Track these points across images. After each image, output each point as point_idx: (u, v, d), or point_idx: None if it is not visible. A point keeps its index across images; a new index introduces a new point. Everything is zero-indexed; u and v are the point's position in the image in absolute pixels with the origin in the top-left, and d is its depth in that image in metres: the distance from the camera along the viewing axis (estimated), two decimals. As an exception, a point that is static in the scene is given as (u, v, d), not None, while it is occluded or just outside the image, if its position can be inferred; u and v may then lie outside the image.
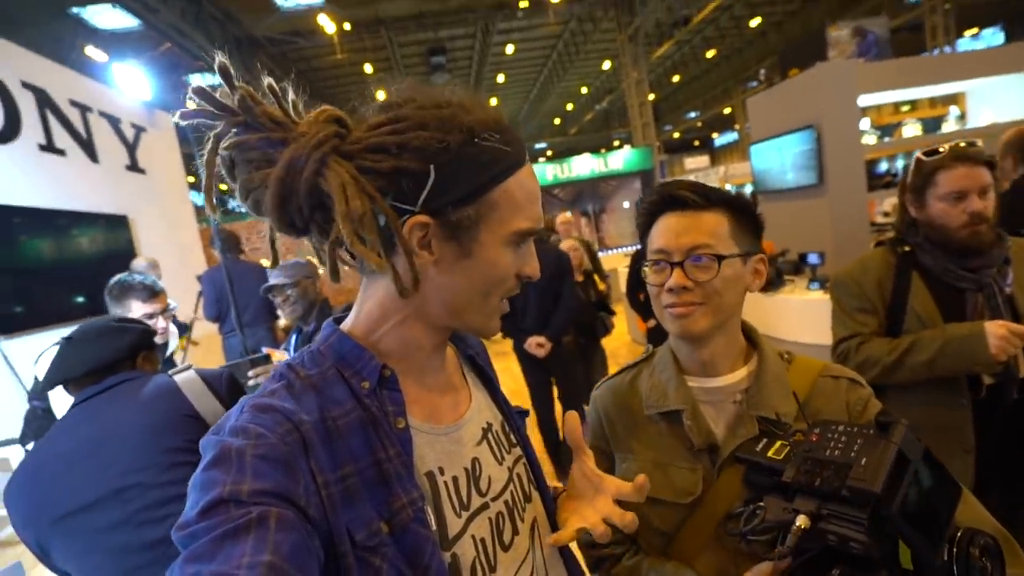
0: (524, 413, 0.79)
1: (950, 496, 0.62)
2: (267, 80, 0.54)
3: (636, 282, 3.76)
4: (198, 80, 0.52)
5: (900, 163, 5.66)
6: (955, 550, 0.57)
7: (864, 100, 4.14)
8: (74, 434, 1.07)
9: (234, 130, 0.51)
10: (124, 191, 4.64)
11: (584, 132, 27.90)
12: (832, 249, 3.75)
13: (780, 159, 4.24)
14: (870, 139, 4.73)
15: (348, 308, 0.65)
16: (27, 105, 3.67)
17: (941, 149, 1.32)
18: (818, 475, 0.61)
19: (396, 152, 0.51)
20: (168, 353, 2.13)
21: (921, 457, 0.60)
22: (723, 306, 0.78)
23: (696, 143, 24.28)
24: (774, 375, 0.81)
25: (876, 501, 0.55)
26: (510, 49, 14.99)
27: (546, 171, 13.63)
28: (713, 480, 0.78)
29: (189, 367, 1.24)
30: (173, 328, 1.31)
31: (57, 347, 1.17)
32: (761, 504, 0.68)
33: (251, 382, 1.69)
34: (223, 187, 0.55)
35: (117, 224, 4.48)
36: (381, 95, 0.59)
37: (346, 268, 0.58)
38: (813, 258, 3.63)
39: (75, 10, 8.96)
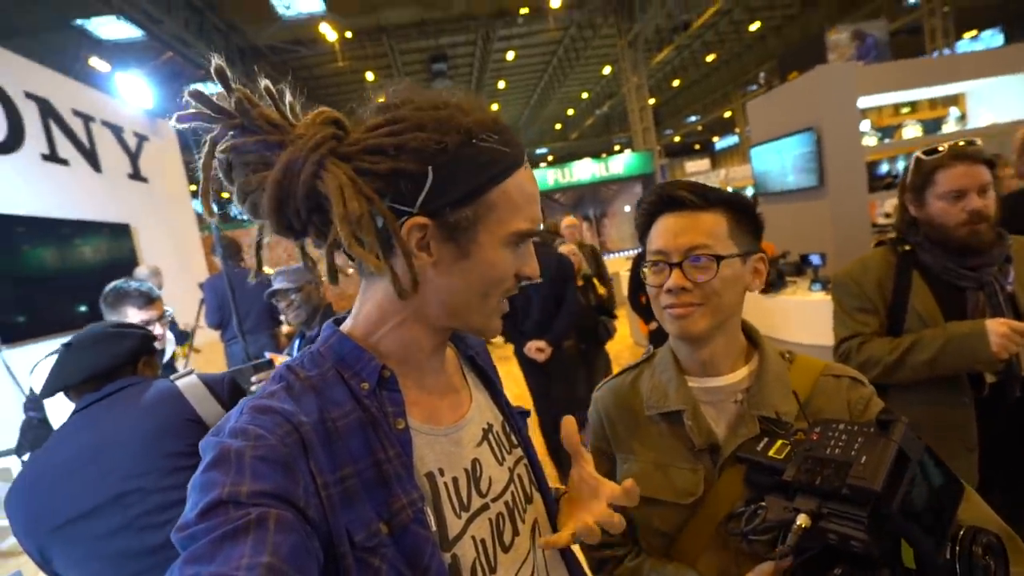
0: (526, 413, 0.78)
1: (953, 494, 0.61)
2: (264, 82, 0.54)
3: (638, 285, 3.76)
4: (199, 88, 0.52)
5: (901, 164, 5.65)
6: (958, 548, 0.56)
7: (864, 102, 4.14)
8: (75, 441, 1.07)
9: (231, 133, 0.51)
10: (126, 200, 4.66)
11: (585, 137, 27.97)
12: (833, 251, 3.74)
13: (780, 161, 4.24)
14: (870, 140, 4.73)
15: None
16: (30, 115, 3.70)
17: (940, 148, 1.32)
18: (818, 474, 0.61)
19: (394, 153, 0.51)
20: (164, 360, 2.13)
21: (922, 455, 0.60)
22: (722, 306, 0.78)
23: (697, 147, 24.33)
24: (775, 374, 0.80)
25: (876, 499, 0.54)
26: (511, 55, 15.08)
27: (547, 176, 13.66)
28: (714, 480, 0.77)
29: (191, 372, 1.24)
30: (169, 335, 1.31)
31: (52, 358, 1.17)
32: (762, 504, 0.67)
33: (254, 387, 1.69)
34: (225, 195, 0.55)
35: (120, 233, 4.49)
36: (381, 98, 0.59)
37: (348, 272, 0.58)
38: (815, 259, 3.62)
39: (79, 21, 9.06)
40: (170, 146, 5.54)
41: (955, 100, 5.28)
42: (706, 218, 0.78)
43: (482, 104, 0.57)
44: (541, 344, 2.95)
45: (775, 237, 4.58)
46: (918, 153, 1.36)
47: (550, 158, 28.89)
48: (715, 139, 26.81)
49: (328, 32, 11.11)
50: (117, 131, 4.69)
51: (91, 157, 4.28)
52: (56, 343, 1.20)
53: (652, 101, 15.72)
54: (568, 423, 0.64)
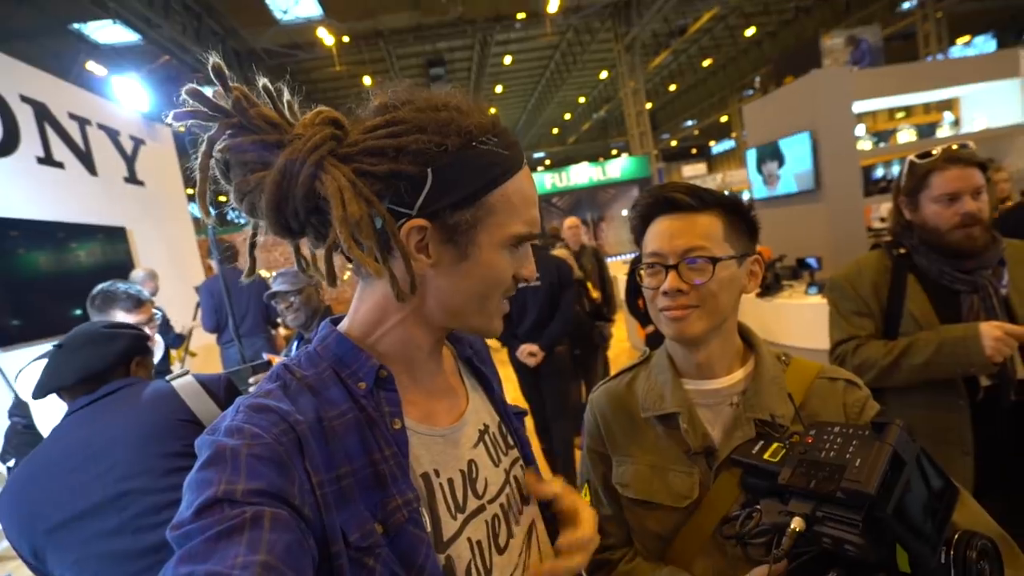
0: (523, 413, 0.78)
1: (948, 498, 0.61)
2: (262, 81, 0.54)
3: (635, 289, 3.75)
4: (196, 86, 0.52)
5: (896, 169, 5.69)
6: (953, 553, 0.56)
7: (859, 106, 4.17)
8: (70, 441, 1.06)
9: (228, 132, 0.51)
10: (122, 203, 4.65)
11: (582, 141, 28.09)
12: (829, 254, 3.76)
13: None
14: (865, 145, 4.76)
15: None
16: (26, 118, 3.69)
17: (934, 152, 1.33)
18: (813, 477, 0.60)
19: (394, 155, 0.51)
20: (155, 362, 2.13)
21: (917, 458, 0.60)
22: (719, 308, 0.77)
23: (693, 151, 24.40)
24: (771, 377, 0.80)
25: (871, 503, 0.54)
26: (508, 60, 15.15)
27: (544, 180, 13.69)
28: (710, 483, 0.77)
29: (187, 372, 1.23)
30: (159, 338, 1.31)
31: (38, 362, 1.16)
32: (757, 507, 0.67)
33: (251, 389, 1.69)
34: (223, 198, 0.55)
35: (115, 236, 4.48)
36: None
37: (345, 276, 0.57)
38: (811, 262, 3.64)
39: (76, 26, 9.06)
40: (167, 150, 5.53)
41: (949, 105, 5.33)
42: (702, 220, 0.78)
43: (481, 106, 0.56)
44: (533, 348, 2.93)
45: (771, 241, 4.60)
46: (912, 157, 1.37)
47: (547, 162, 28.96)
48: (712, 143, 26.91)
49: (325, 36, 11.14)
50: (113, 134, 4.69)
51: (87, 160, 4.27)
52: (50, 346, 1.19)
53: (649, 105, 15.80)
54: (529, 479, 0.67)
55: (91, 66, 8.82)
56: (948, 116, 5.19)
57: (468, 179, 0.53)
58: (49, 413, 1.64)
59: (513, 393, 3.24)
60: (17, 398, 2.04)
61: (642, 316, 3.73)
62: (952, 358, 1.21)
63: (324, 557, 0.45)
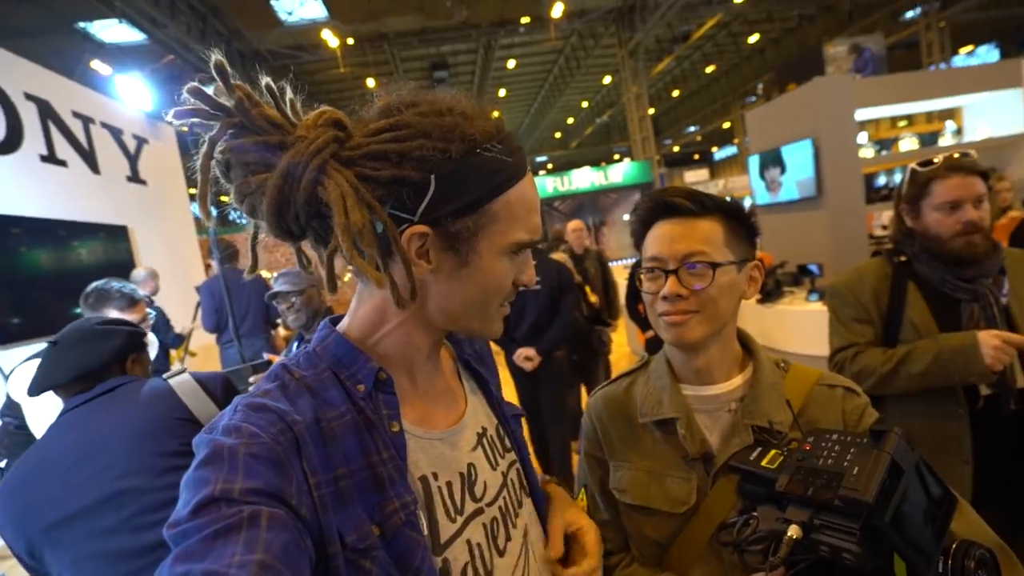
0: (520, 414, 0.78)
1: (946, 506, 0.61)
2: (265, 80, 0.53)
3: (635, 294, 3.74)
4: (198, 85, 0.51)
5: (898, 177, 5.69)
6: (951, 562, 0.55)
7: (861, 114, 4.18)
8: (66, 440, 1.06)
9: (230, 132, 0.50)
10: (124, 202, 4.65)
11: (584, 146, 28.13)
12: (830, 261, 3.75)
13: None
14: (868, 153, 4.76)
15: None
16: (29, 116, 3.69)
17: (935, 160, 1.33)
18: (811, 484, 0.60)
19: (397, 160, 0.50)
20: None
21: (915, 467, 0.59)
22: (718, 314, 0.77)
23: (696, 157, 24.44)
24: (769, 384, 0.80)
25: (868, 511, 0.54)
26: (512, 64, 15.19)
27: (547, 184, 13.72)
28: (707, 489, 0.76)
29: (184, 370, 1.23)
30: (152, 337, 1.30)
31: (30, 362, 1.16)
32: (755, 514, 0.67)
33: (251, 388, 1.68)
34: (225, 199, 0.54)
35: (117, 235, 4.48)
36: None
37: (345, 279, 0.57)
38: (813, 269, 3.63)
39: (82, 25, 9.10)
40: (170, 149, 5.54)
41: (952, 114, 5.33)
42: (702, 225, 0.77)
43: (486, 110, 0.56)
44: (531, 353, 2.90)
45: (773, 247, 4.59)
46: (913, 165, 1.37)
47: (550, 166, 29.00)
48: (714, 149, 26.96)
49: (330, 38, 11.19)
50: (116, 133, 4.69)
51: (90, 159, 4.27)
52: (44, 346, 1.19)
53: (652, 111, 15.84)
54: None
55: (96, 65, 8.87)
56: (950, 125, 5.19)
57: (471, 186, 0.52)
58: (42, 413, 1.63)
59: (509, 397, 3.22)
60: (9, 398, 2.03)
61: (642, 321, 3.72)
62: (951, 367, 1.21)
63: (321, 558, 0.45)
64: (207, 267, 5.09)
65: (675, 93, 21.72)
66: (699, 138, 27.56)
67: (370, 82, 13.90)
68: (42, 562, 1.00)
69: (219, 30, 10.59)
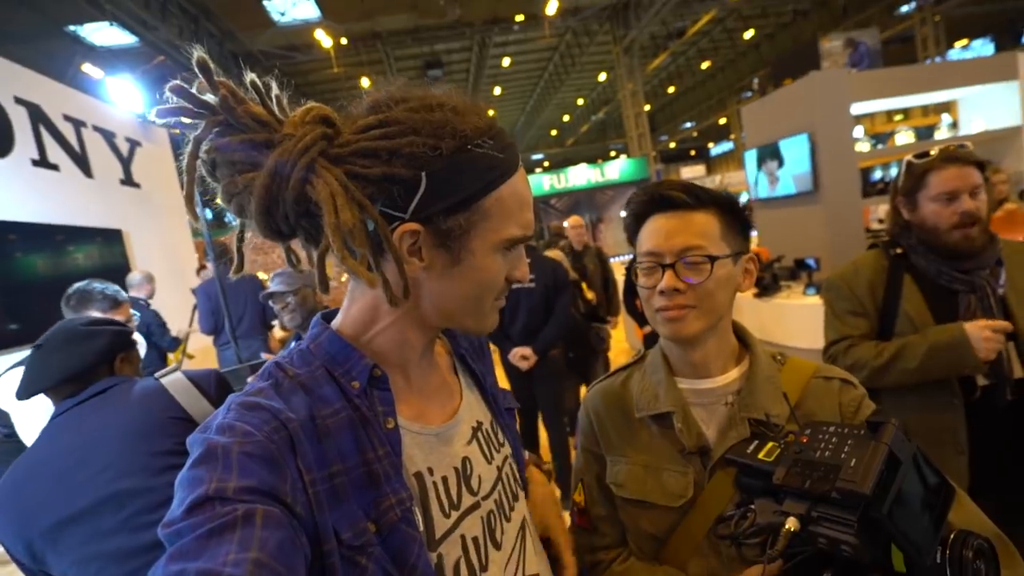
0: (515, 407, 0.78)
1: (943, 497, 0.61)
2: (250, 76, 0.52)
3: (632, 289, 3.74)
4: (181, 83, 0.50)
5: (894, 171, 5.69)
6: (948, 552, 0.55)
7: (857, 108, 4.18)
8: (59, 444, 1.05)
9: (215, 130, 0.49)
10: (119, 205, 4.63)
11: (580, 143, 28.15)
12: (827, 255, 3.75)
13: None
14: (864, 147, 4.76)
15: None
16: (20, 120, 3.67)
17: (932, 152, 1.33)
18: (808, 477, 0.60)
19: (387, 158, 0.50)
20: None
21: (913, 457, 0.59)
22: (715, 307, 0.77)
23: (692, 153, 24.45)
24: (766, 376, 0.79)
25: (866, 503, 0.53)
26: (506, 62, 15.17)
27: (543, 181, 13.72)
28: (704, 483, 0.76)
29: (175, 368, 1.22)
30: (140, 338, 1.29)
31: (14, 371, 1.14)
32: (752, 507, 0.66)
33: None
34: (222, 203, 0.53)
35: (112, 239, 4.46)
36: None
37: (343, 279, 0.56)
38: (810, 263, 3.63)
39: (72, 28, 9.05)
40: (163, 152, 5.52)
41: (947, 107, 5.34)
42: (698, 218, 0.77)
43: (477, 105, 0.55)
44: (526, 352, 2.88)
45: (770, 241, 4.60)
46: (909, 157, 1.36)
47: (546, 164, 29.00)
48: (710, 145, 26.97)
49: (323, 38, 11.15)
50: (109, 136, 4.67)
51: (82, 163, 4.25)
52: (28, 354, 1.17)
53: (647, 107, 15.85)
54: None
55: (87, 68, 8.81)
56: (946, 118, 5.20)
57: (462, 183, 0.52)
58: (30, 420, 1.61)
59: (510, 395, 3.20)
60: None
61: (640, 316, 3.71)
62: (945, 362, 1.22)
63: (316, 555, 0.45)
64: (199, 270, 5.06)
65: (671, 89, 21.73)
66: (695, 134, 27.59)
67: (364, 82, 13.88)
68: (45, 563, 0.99)
69: (211, 31, 10.54)
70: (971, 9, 13.19)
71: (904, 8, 13.62)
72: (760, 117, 4.58)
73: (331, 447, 0.50)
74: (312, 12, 10.34)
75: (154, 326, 3.67)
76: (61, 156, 4.03)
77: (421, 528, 0.53)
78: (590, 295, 3.70)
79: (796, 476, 0.61)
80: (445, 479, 0.58)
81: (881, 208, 4.84)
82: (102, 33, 9.37)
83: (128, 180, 4.86)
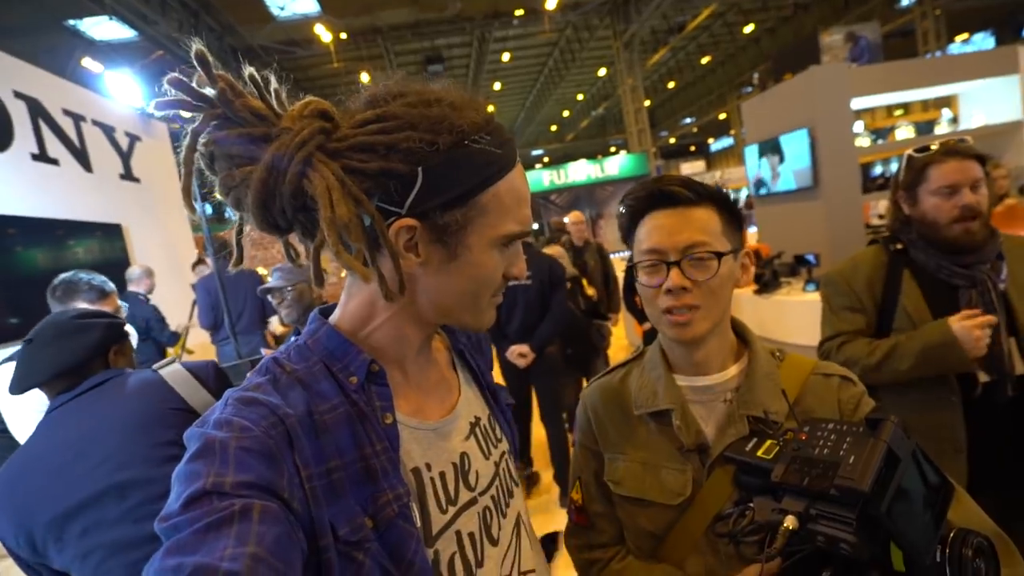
0: (511, 403, 0.78)
1: (943, 495, 0.60)
2: (248, 70, 0.52)
3: (632, 285, 3.70)
4: (179, 76, 0.50)
5: (894, 166, 5.68)
6: (948, 551, 0.55)
7: (857, 103, 4.16)
8: (56, 437, 1.05)
9: (213, 124, 0.49)
10: (118, 200, 4.62)
11: (580, 138, 28.05)
12: (827, 251, 3.75)
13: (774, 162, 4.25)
14: (864, 142, 4.75)
15: None
16: (19, 114, 3.66)
17: (932, 147, 1.32)
18: (806, 474, 0.60)
19: (384, 153, 0.50)
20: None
21: (912, 455, 0.59)
22: (719, 305, 0.76)
23: (692, 148, 24.36)
24: (765, 373, 0.79)
25: (865, 500, 0.53)
26: (506, 57, 15.11)
27: (543, 177, 13.69)
28: (703, 481, 0.76)
29: (174, 360, 1.22)
30: (131, 331, 1.27)
31: (5, 366, 1.13)
32: (750, 505, 0.66)
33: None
34: (220, 196, 0.53)
35: (112, 233, 4.46)
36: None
37: (342, 275, 0.56)
38: (810, 259, 3.63)
39: (72, 22, 9.01)
40: (163, 146, 5.51)
41: (947, 102, 5.32)
42: (699, 214, 0.76)
43: (475, 100, 0.55)
44: (524, 349, 2.88)
45: (770, 237, 4.59)
46: (910, 151, 1.36)
47: (546, 159, 28.94)
48: (710, 141, 26.88)
49: (323, 33, 11.10)
50: (108, 131, 4.66)
51: (82, 157, 4.24)
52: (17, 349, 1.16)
53: (647, 103, 15.80)
54: None
55: (87, 63, 8.77)
56: (946, 113, 5.18)
57: (459, 179, 0.52)
58: (22, 416, 1.60)
59: (510, 390, 3.20)
60: None
61: (639, 313, 3.67)
62: (938, 361, 1.22)
63: (313, 551, 0.45)
64: (194, 265, 5.04)
65: (671, 85, 21.65)
66: (695, 129, 27.51)
67: (364, 77, 13.76)
68: (47, 556, 0.99)
69: (211, 26, 10.49)
70: (971, 3, 13.13)
71: (905, 2, 13.55)
72: (760, 112, 4.56)
73: (328, 442, 0.50)
74: (312, 7, 10.29)
75: (153, 321, 3.67)
76: (61, 150, 4.02)
77: (418, 524, 0.53)
78: (591, 291, 3.68)
79: (795, 474, 0.61)
80: (443, 475, 0.58)
81: (881, 204, 4.84)
82: (102, 27, 9.33)
83: (128, 175, 4.85)
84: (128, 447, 1.02)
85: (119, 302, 1.82)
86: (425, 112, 0.51)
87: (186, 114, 0.50)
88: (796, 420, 0.72)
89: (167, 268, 4.82)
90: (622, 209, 0.83)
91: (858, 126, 4.93)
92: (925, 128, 5.51)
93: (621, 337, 6.28)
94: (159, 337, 3.70)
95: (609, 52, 14.63)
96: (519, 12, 12.06)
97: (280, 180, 0.48)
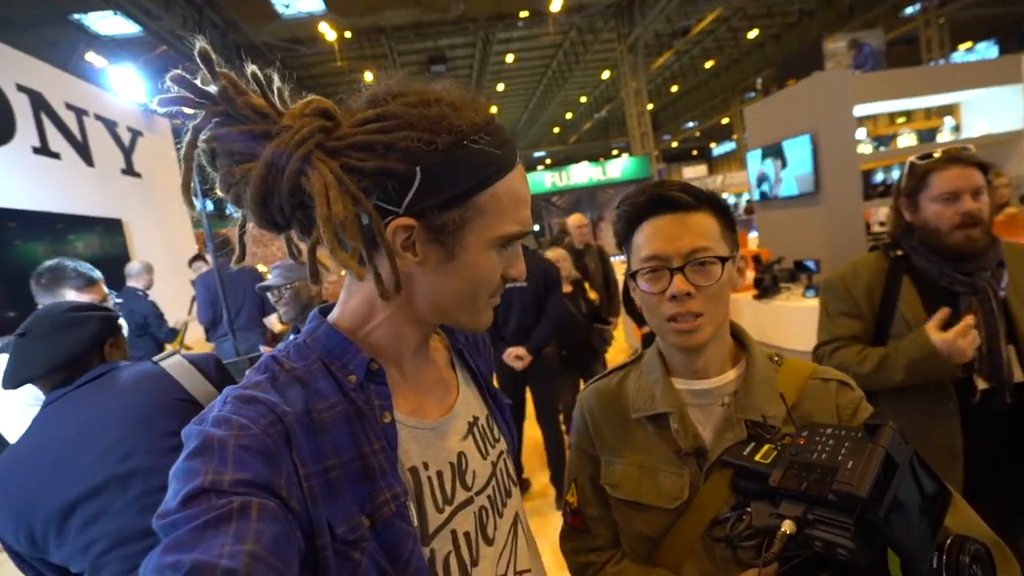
0: (510, 403, 0.78)
1: (940, 501, 0.60)
2: (251, 68, 0.52)
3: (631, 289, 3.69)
4: (182, 72, 0.50)
5: (895, 173, 5.69)
6: (945, 557, 0.55)
7: (860, 110, 4.16)
8: (58, 428, 1.04)
9: (215, 120, 0.50)
10: (119, 195, 4.62)
11: (583, 141, 28.08)
12: (827, 257, 3.75)
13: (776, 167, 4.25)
14: (866, 149, 4.75)
15: None
16: (21, 107, 3.66)
17: (935, 154, 1.32)
18: (804, 479, 0.59)
19: (382, 152, 0.50)
20: None
21: (909, 461, 0.59)
22: (721, 310, 0.76)
23: (694, 152, 24.41)
24: (762, 377, 0.79)
25: (863, 506, 0.53)
26: (510, 58, 15.13)
27: (545, 179, 13.69)
28: (700, 485, 0.75)
29: (174, 353, 1.21)
30: (123, 322, 1.26)
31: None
32: (748, 509, 0.66)
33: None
34: (220, 192, 0.54)
35: (112, 228, 4.46)
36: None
37: (341, 273, 0.56)
38: (810, 265, 3.63)
39: (76, 16, 9.02)
40: (165, 142, 5.51)
41: (950, 110, 5.32)
42: (698, 218, 0.75)
43: (476, 101, 0.55)
44: (521, 352, 2.88)
45: (770, 242, 4.59)
46: (912, 158, 1.36)
47: (548, 161, 28.96)
48: (713, 145, 26.93)
49: (327, 31, 11.11)
50: (111, 125, 4.66)
51: (83, 151, 4.24)
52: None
53: (650, 106, 15.79)
54: None
55: (91, 57, 8.78)
56: (949, 121, 5.18)
57: (457, 179, 0.52)
58: (8, 412, 1.58)
59: (508, 391, 3.20)
60: None
61: (639, 316, 3.68)
62: (929, 372, 1.23)
63: (310, 550, 0.45)
64: (191, 261, 5.02)
65: (674, 88, 21.68)
66: (698, 134, 27.52)
67: (368, 76, 13.83)
68: (46, 551, 0.99)
69: (215, 22, 10.50)
70: (975, 12, 13.13)
71: (909, 10, 13.57)
72: (763, 117, 4.57)
73: (327, 441, 0.50)
74: (317, 5, 10.30)
75: (151, 317, 3.67)
76: (62, 144, 4.02)
77: (415, 524, 0.53)
78: (593, 295, 3.64)
79: (793, 478, 0.61)
80: (440, 474, 0.58)
81: (882, 211, 4.84)
82: (106, 22, 9.34)
83: (129, 170, 4.84)
84: (130, 438, 1.02)
85: (106, 290, 1.79)
86: (424, 112, 0.51)
87: (188, 111, 0.50)
88: (794, 424, 0.72)
89: (167, 264, 4.82)
90: (618, 214, 0.82)
91: (860, 133, 4.93)
92: (927, 136, 5.52)
93: (620, 340, 6.27)
94: (157, 333, 3.70)
95: (613, 55, 14.65)
96: (523, 14, 12.07)
97: (278, 177, 0.48)
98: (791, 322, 3.44)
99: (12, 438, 1.53)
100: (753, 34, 15.79)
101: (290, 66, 12.64)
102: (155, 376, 1.13)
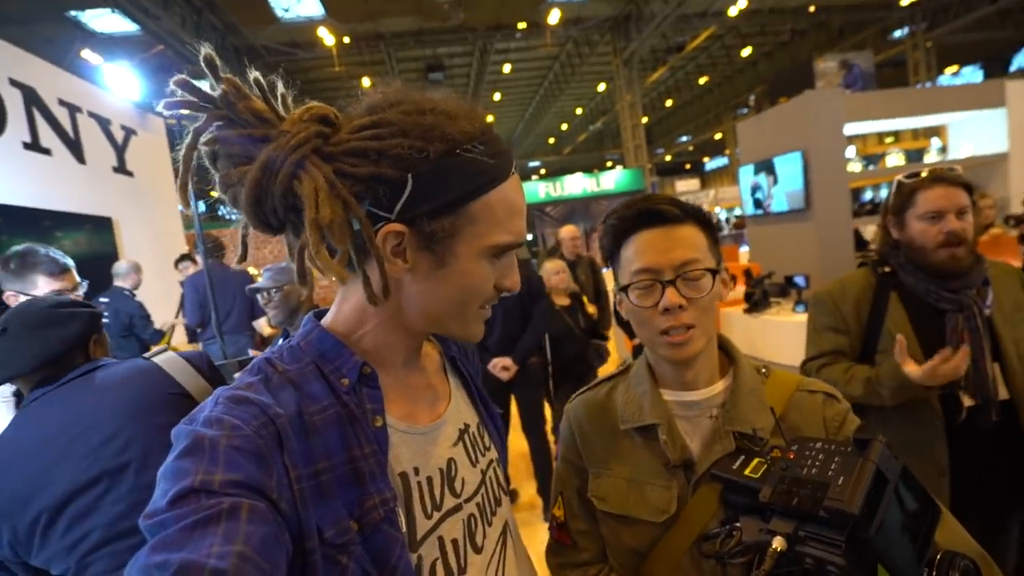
0: (501, 412, 0.78)
1: (930, 517, 0.60)
2: (254, 74, 0.53)
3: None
4: (186, 77, 0.52)
5: (884, 192, 5.78)
6: (934, 573, 0.55)
7: (850, 129, 4.24)
8: (47, 424, 1.02)
9: (216, 124, 0.50)
10: (110, 193, 4.56)
11: (577, 152, 28.27)
12: (817, 273, 3.79)
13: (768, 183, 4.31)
14: (855, 167, 4.83)
15: None
16: (13, 102, 3.62)
17: (922, 174, 1.35)
18: (795, 495, 0.59)
19: (375, 158, 0.50)
20: None
21: (900, 476, 0.59)
22: (710, 322, 0.76)
23: (687, 166, 24.65)
24: (750, 389, 0.79)
25: (854, 523, 0.53)
26: (507, 68, 15.24)
27: (539, 189, 13.75)
28: (688, 498, 0.75)
29: (165, 349, 1.20)
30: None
31: None
32: (738, 524, 0.65)
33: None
34: (213, 192, 0.55)
35: (102, 226, 4.40)
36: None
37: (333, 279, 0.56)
38: (799, 280, 3.66)
39: (73, 13, 8.97)
40: (158, 141, 5.46)
41: (937, 131, 5.44)
42: (686, 231, 0.76)
43: (472, 110, 0.55)
44: (507, 362, 2.87)
45: (761, 257, 4.63)
46: (900, 177, 1.39)
47: (542, 171, 29.12)
48: (705, 159, 27.23)
49: (326, 36, 11.14)
50: (104, 123, 4.61)
51: (75, 148, 4.19)
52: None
53: (645, 120, 15.96)
54: None
55: (87, 55, 8.72)
56: (936, 142, 5.29)
57: (448, 187, 0.52)
58: None
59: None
60: None
61: (630, 328, 3.65)
62: (914, 393, 1.24)
63: (298, 553, 0.45)
64: (177, 261, 4.96)
65: (668, 103, 21.93)
66: (691, 148, 27.85)
67: (365, 82, 13.86)
68: (28, 553, 0.96)
69: (214, 24, 10.49)
70: (962, 37, 13.46)
71: (897, 33, 13.89)
72: (755, 134, 4.63)
73: (318, 444, 0.50)
74: (316, 10, 10.33)
75: (137, 317, 3.61)
76: (54, 140, 3.97)
77: (404, 529, 0.53)
78: (591, 309, 3.57)
79: (783, 494, 0.60)
80: (430, 479, 0.58)
81: (869, 228, 4.91)
82: (103, 20, 9.30)
83: (121, 168, 4.79)
84: (126, 432, 1.00)
85: (77, 278, 1.74)
86: (418, 120, 0.52)
87: (186, 112, 0.51)
88: (782, 436, 0.72)
89: (157, 264, 4.76)
90: (606, 228, 0.82)
91: (850, 151, 5.01)
92: (915, 156, 5.63)
93: (611, 351, 6.27)
94: (142, 334, 3.64)
95: (609, 68, 14.81)
96: (522, 25, 12.19)
97: (272, 180, 0.49)
98: (781, 336, 3.47)
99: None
100: (746, 52, 16.05)
101: (288, 71, 12.61)
102: (148, 371, 1.12)
